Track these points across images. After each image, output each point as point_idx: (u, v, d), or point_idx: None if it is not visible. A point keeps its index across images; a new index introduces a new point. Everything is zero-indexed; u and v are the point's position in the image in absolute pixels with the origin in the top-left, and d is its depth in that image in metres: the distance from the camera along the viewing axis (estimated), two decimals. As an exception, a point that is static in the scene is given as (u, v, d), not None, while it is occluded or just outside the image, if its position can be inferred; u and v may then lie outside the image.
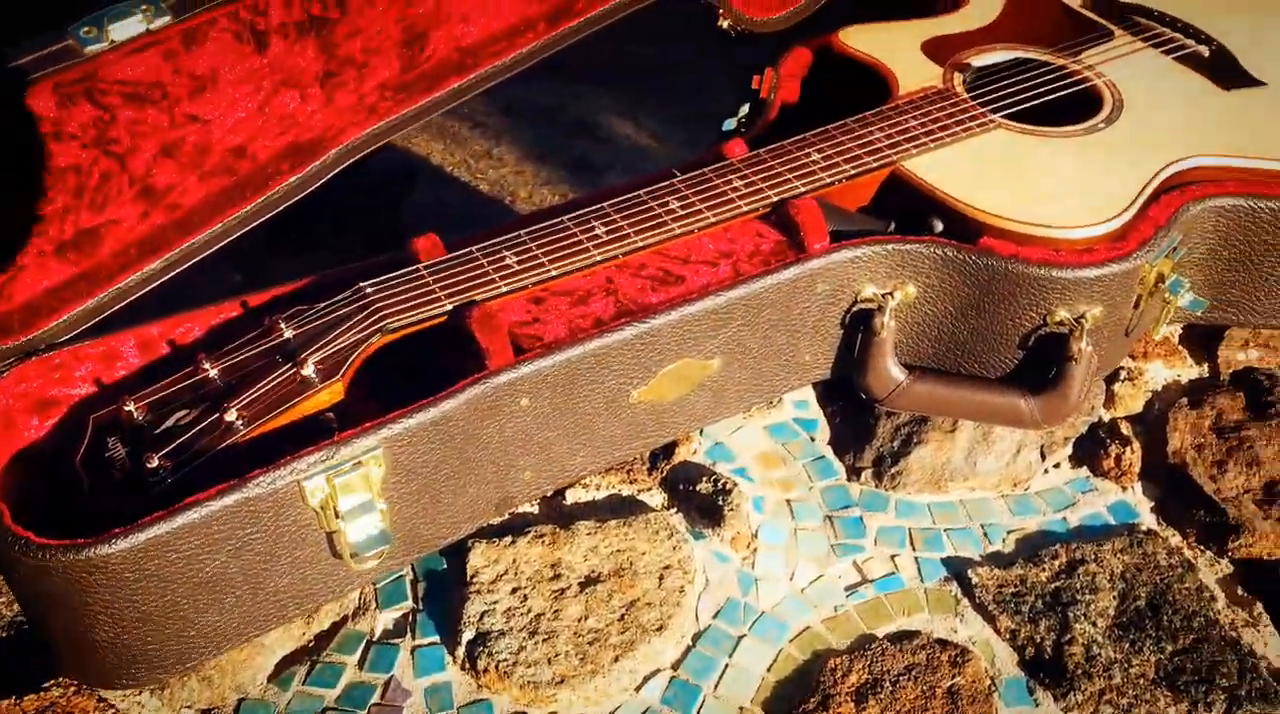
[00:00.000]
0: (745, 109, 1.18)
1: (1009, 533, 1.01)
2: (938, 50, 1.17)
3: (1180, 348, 1.17)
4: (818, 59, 1.20)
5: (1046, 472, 1.05)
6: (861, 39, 1.18)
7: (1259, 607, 0.96)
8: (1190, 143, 1.06)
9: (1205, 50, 1.16)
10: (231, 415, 0.80)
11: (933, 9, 1.28)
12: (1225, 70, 1.14)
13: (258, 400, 0.82)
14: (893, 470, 1.03)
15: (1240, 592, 0.98)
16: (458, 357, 0.88)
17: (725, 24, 1.19)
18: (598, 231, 0.94)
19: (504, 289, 0.89)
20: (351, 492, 0.82)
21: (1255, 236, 1.04)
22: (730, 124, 1.20)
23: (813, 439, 1.08)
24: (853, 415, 1.08)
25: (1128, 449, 1.05)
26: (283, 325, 0.86)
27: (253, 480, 0.78)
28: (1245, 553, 0.99)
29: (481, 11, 1.00)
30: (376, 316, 0.86)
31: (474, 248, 0.92)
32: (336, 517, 0.82)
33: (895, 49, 1.17)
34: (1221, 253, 1.05)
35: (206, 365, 0.83)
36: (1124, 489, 1.04)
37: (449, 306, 0.88)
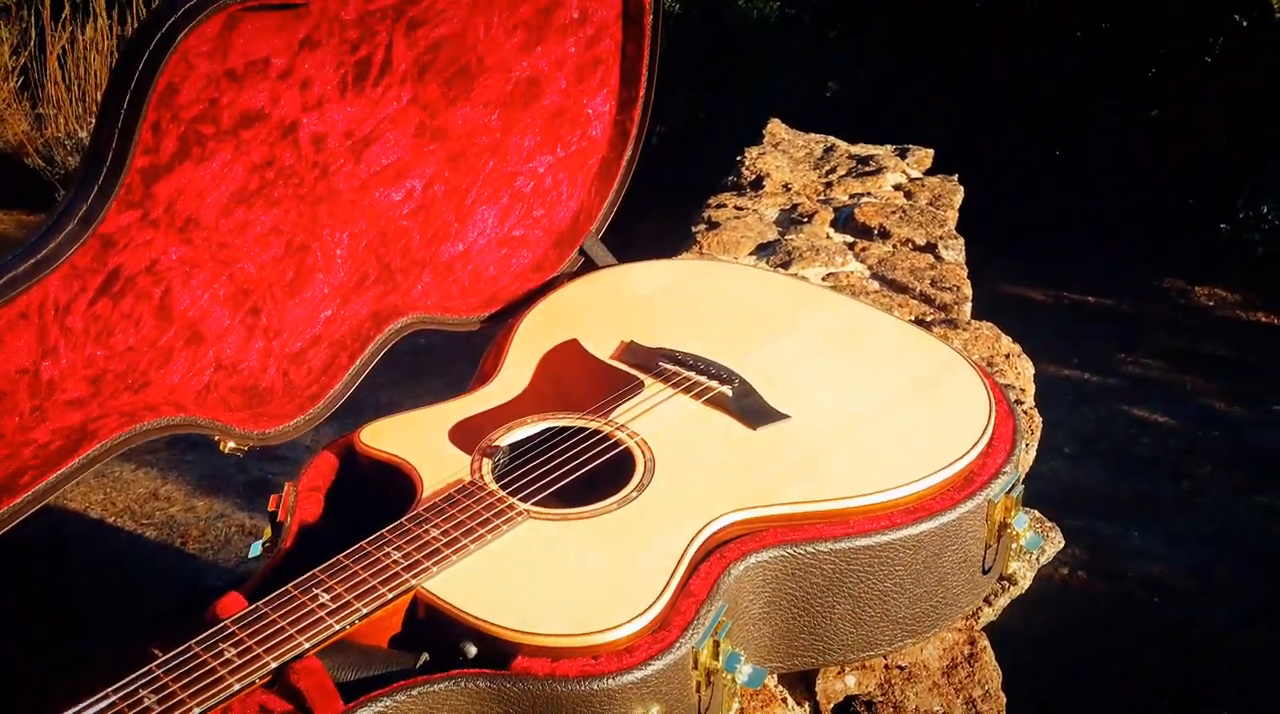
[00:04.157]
0: (270, 531, 1.07)
1: None
2: (467, 435, 1.11)
3: (778, 691, 1.11)
4: (343, 464, 1.11)
5: None
6: (386, 436, 1.11)
7: None
8: (724, 497, 1.03)
9: (729, 390, 1.16)
10: None
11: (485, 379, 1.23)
12: (750, 408, 1.14)
13: None
14: None
15: None
16: None
17: (229, 447, 1.08)
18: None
19: None
20: None
21: (805, 580, 1.01)
22: (256, 549, 1.08)
23: None
24: None
25: None
26: None
27: None
28: None
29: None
30: None
31: None
32: None
33: (421, 442, 1.09)
34: (780, 603, 1.01)
35: None
36: None
37: None
